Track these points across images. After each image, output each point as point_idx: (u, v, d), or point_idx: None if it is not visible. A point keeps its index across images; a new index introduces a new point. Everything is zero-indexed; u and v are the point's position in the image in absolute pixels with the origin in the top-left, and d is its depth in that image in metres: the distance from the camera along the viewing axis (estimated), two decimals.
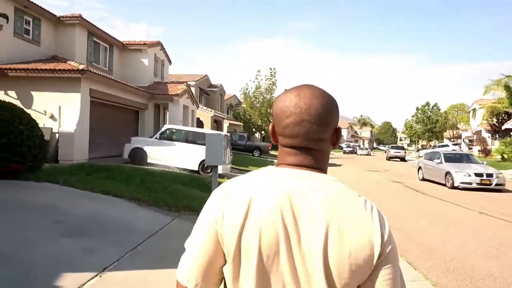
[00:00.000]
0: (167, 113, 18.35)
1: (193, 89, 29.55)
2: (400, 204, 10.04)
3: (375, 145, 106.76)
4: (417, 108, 51.89)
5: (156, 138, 12.95)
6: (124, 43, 18.68)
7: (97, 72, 12.97)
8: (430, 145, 53.97)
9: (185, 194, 7.86)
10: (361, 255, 0.80)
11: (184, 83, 19.42)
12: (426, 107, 50.50)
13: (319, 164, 0.90)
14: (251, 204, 0.83)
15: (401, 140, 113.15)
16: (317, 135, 0.88)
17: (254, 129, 37.64)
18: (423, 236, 6.52)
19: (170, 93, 17.57)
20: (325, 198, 0.83)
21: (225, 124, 36.26)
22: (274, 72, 36.80)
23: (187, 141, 12.65)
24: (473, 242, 6.21)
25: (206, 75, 33.84)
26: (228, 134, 14.15)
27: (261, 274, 0.82)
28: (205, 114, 26.66)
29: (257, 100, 37.00)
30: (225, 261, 0.86)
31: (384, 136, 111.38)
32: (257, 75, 36.78)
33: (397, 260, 0.86)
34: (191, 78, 31.00)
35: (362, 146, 62.42)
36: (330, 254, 0.80)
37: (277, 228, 0.81)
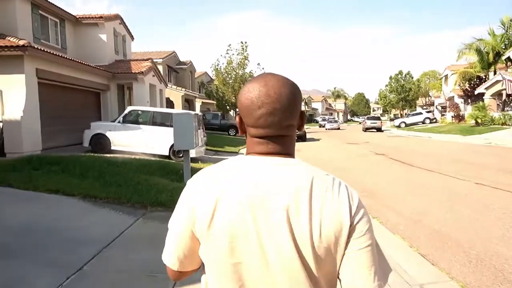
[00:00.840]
0: (132, 93, 16.79)
1: (160, 67, 27.71)
2: (390, 180, 9.30)
3: (349, 117, 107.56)
4: (390, 77, 51.74)
5: (119, 122, 11.56)
6: (78, 17, 16.75)
7: (45, 50, 11.30)
8: (402, 114, 54.44)
9: (152, 186, 6.73)
10: (332, 230, 0.83)
11: (149, 60, 17.81)
12: (399, 76, 50.45)
13: (288, 150, 0.94)
14: (222, 196, 0.86)
15: (374, 110, 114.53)
16: (288, 122, 0.92)
17: (228, 107, 36.24)
18: (427, 217, 5.74)
19: (133, 71, 16.00)
20: (296, 182, 0.86)
21: (198, 103, 34.73)
22: (246, 46, 35.17)
23: (154, 123, 11.35)
24: (483, 221, 5.47)
25: (174, 52, 31.90)
26: (200, 113, 12.95)
27: (232, 264, 0.85)
28: (175, 93, 25.10)
29: (230, 76, 35.47)
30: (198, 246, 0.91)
31: (358, 108, 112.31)
32: (228, 49, 35.07)
33: (371, 229, 0.88)
34: (157, 55, 29.07)
35: (329, 118, 56.22)
36: (300, 236, 0.83)
37: (245, 218, 0.84)
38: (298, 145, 18.85)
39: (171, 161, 10.43)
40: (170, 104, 23.96)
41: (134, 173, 7.63)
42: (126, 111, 11.74)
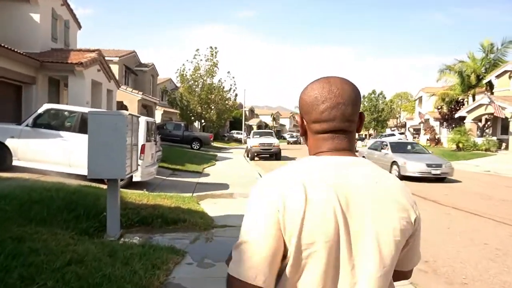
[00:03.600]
0: (67, 90, 12.99)
1: (115, 67, 23.86)
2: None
3: None
4: (363, 96, 50.62)
5: (28, 126, 7.85)
6: None
7: None
8: (371, 135, 53.23)
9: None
10: (403, 226, 0.91)
11: (95, 52, 14.12)
12: (373, 95, 49.35)
13: (352, 147, 0.98)
14: (307, 192, 0.85)
15: None
16: (351, 117, 0.96)
17: (192, 117, 32.73)
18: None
19: (69, 61, 12.27)
20: (368, 181, 0.91)
21: (159, 111, 30.91)
22: (216, 52, 32.10)
23: (82, 130, 7.76)
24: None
25: (134, 51, 28.08)
26: (152, 119, 9.44)
27: (327, 261, 0.85)
28: (130, 96, 21.32)
29: (196, 83, 32.09)
30: (286, 251, 0.86)
31: None
32: (195, 54, 31.80)
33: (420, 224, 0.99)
34: (114, 53, 25.21)
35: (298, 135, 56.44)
36: (381, 232, 0.88)
37: (335, 215, 0.85)
38: (268, 164, 15.90)
39: (98, 188, 6.86)
40: (123, 109, 20.12)
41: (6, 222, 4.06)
42: (40, 110, 8.04)
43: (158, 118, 30.44)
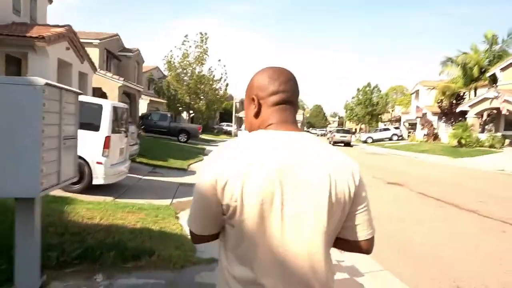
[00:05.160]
0: (28, 70, 10.93)
1: (96, 50, 21.73)
2: (471, 250, 4.65)
3: (305, 129, 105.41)
4: (358, 89, 48.77)
5: None
6: None
7: None
8: (366, 129, 51.90)
9: None
10: (347, 190, 1.02)
11: (64, 27, 12.06)
12: (367, 88, 47.73)
13: (295, 119, 1.12)
14: (251, 168, 0.96)
15: (329, 124, 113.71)
16: (297, 92, 1.14)
17: (180, 108, 30.66)
18: None
19: (29, 35, 10.22)
20: (316, 149, 1.03)
21: (145, 101, 28.81)
22: (206, 38, 29.91)
23: None
24: None
25: (117, 35, 25.88)
26: (122, 105, 7.55)
27: (261, 218, 0.96)
28: (110, 83, 19.22)
29: (185, 72, 29.96)
30: (223, 214, 1.01)
31: (316, 120, 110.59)
32: (184, 40, 29.56)
33: (367, 193, 1.10)
34: (95, 36, 23.01)
35: None
36: (332, 194, 0.99)
37: (273, 183, 0.96)
38: None
39: None
40: (102, 97, 18.06)
41: None
42: None
43: (143, 108, 28.34)
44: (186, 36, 29.79)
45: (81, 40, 13.93)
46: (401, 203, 8.16)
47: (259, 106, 1.11)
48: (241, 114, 58.93)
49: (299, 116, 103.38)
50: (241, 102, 62.76)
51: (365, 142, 38.82)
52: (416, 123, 37.58)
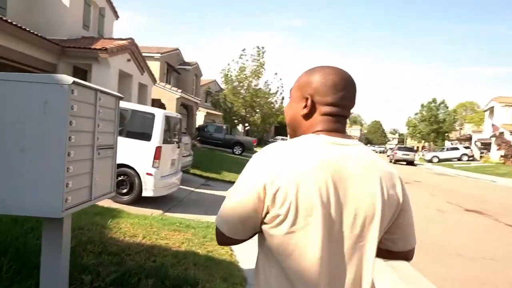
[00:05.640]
0: (91, 81, 11.30)
1: (157, 64, 22.49)
2: None
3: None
4: (422, 105, 45.68)
5: None
6: None
7: None
8: (429, 148, 48.34)
9: None
10: (395, 199, 1.00)
11: (127, 40, 12.42)
12: (433, 104, 44.53)
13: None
14: (303, 169, 0.91)
15: (388, 141, 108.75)
16: (352, 108, 1.08)
17: (236, 120, 30.75)
18: None
19: (94, 47, 10.56)
20: (368, 157, 1.00)
21: (202, 113, 29.30)
22: (263, 52, 29.89)
23: None
24: None
25: (177, 49, 26.75)
26: (175, 114, 7.30)
27: (325, 227, 0.91)
28: (169, 94, 19.66)
29: (241, 85, 30.07)
30: (264, 223, 0.94)
31: (374, 136, 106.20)
32: (241, 54, 29.76)
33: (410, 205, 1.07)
34: (156, 50, 23.91)
35: None
36: (383, 201, 0.96)
37: (329, 194, 0.91)
38: None
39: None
40: (161, 108, 18.46)
41: None
42: None
43: (200, 120, 28.82)
44: (243, 50, 29.99)
45: (144, 54, 14.34)
46: (485, 236, 6.93)
47: (312, 109, 1.04)
48: None
49: (356, 132, 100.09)
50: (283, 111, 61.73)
51: (430, 161, 36.07)
52: (490, 143, 34.12)
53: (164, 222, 4.86)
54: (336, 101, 1.01)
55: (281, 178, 0.90)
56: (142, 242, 3.82)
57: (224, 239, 1.02)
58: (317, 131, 1.01)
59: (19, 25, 8.90)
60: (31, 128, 2.03)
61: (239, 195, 0.95)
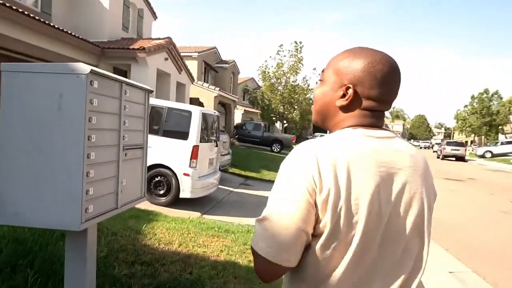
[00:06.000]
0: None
1: (194, 63, 22.60)
2: None
3: (406, 140, 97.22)
4: (472, 97, 42.72)
5: None
6: None
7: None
8: (478, 143, 45.19)
9: None
10: (434, 191, 0.94)
11: (164, 39, 12.40)
12: (484, 95, 41.50)
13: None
14: (350, 169, 0.80)
15: (433, 135, 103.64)
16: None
17: (274, 118, 30.35)
18: None
19: (132, 47, 10.58)
20: (410, 149, 0.91)
21: (239, 111, 29.17)
22: (300, 47, 29.20)
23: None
24: None
25: (215, 48, 26.76)
26: (212, 111, 7.00)
27: (365, 240, 0.81)
28: (206, 92, 19.64)
29: (279, 81, 29.58)
30: (312, 231, 0.81)
31: (418, 131, 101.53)
32: (278, 50, 29.25)
33: None
34: (194, 49, 24.04)
35: None
36: (426, 203, 0.88)
37: (380, 192, 0.82)
38: None
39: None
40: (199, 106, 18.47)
41: None
42: None
43: (238, 118, 28.71)
44: (281, 46, 29.44)
45: (182, 54, 14.30)
46: None
47: (353, 101, 0.89)
48: None
49: (399, 127, 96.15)
50: None
51: (482, 156, 33.64)
52: None
53: (202, 226, 4.56)
54: (382, 96, 0.89)
55: (330, 177, 0.79)
56: (178, 250, 3.52)
57: (278, 273, 0.82)
58: (355, 125, 0.89)
59: (62, 29, 9.07)
60: (44, 126, 1.74)
61: (289, 204, 0.79)
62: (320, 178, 0.78)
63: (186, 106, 6.47)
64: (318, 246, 0.80)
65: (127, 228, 3.85)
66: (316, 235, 0.81)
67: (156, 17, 16.68)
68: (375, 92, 0.88)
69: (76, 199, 1.75)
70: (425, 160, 0.94)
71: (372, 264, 0.82)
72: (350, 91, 0.88)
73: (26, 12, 8.01)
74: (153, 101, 6.33)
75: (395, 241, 0.85)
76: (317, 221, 0.80)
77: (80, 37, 9.79)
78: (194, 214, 5.59)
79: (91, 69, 1.74)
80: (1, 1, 7.07)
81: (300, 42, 29.31)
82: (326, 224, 0.79)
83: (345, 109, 0.90)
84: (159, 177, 5.84)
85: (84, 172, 1.77)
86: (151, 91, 2.58)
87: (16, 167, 1.77)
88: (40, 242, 2.90)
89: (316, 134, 45.25)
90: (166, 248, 3.51)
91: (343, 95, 0.90)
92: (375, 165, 0.82)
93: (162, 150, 5.78)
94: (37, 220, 1.79)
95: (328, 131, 0.99)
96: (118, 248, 3.29)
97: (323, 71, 0.98)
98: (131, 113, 2.25)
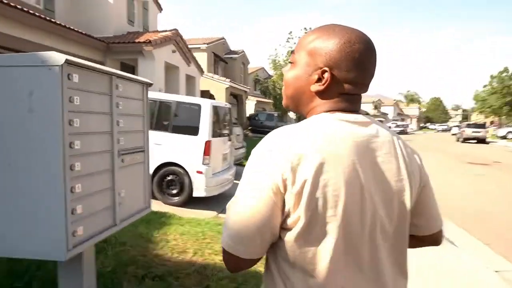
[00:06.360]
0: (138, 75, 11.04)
1: (204, 55, 22.20)
2: None
3: (422, 124, 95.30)
4: (491, 76, 41.11)
5: None
6: None
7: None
8: (498, 123, 43.70)
9: None
10: (417, 177, 0.87)
11: (171, 31, 12.01)
12: (504, 74, 39.89)
13: None
14: (328, 159, 0.75)
15: (450, 118, 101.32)
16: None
17: None
18: None
19: (137, 40, 10.24)
20: (388, 134, 0.86)
21: (251, 101, 28.75)
22: None
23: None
24: None
25: (223, 38, 26.26)
26: (224, 104, 6.64)
27: (346, 222, 0.77)
28: (217, 84, 19.24)
29: None
30: (280, 221, 0.78)
31: (434, 114, 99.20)
32: (288, 37, 28.44)
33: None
34: (202, 41, 23.61)
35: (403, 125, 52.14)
36: (411, 182, 0.85)
37: (358, 175, 0.78)
38: None
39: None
40: (210, 99, 18.10)
41: None
42: None
43: (251, 109, 28.28)
44: (290, 33, 28.67)
45: (190, 46, 13.94)
46: None
47: (330, 85, 0.82)
48: None
49: (414, 111, 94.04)
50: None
51: (504, 138, 32.49)
52: None
53: (218, 229, 4.21)
54: (360, 79, 0.82)
55: (305, 168, 0.73)
56: (193, 259, 3.18)
57: (240, 264, 0.80)
58: (331, 110, 0.83)
59: (66, 25, 8.79)
60: (13, 135, 1.38)
61: (251, 199, 0.76)
62: (294, 170, 0.73)
63: (195, 99, 6.10)
64: (289, 239, 0.77)
65: (137, 235, 3.53)
66: (286, 228, 0.77)
67: (161, 9, 16.28)
68: (353, 75, 0.82)
69: (58, 223, 1.40)
70: (404, 143, 0.88)
71: (362, 264, 0.79)
72: (327, 75, 0.82)
73: (31, 11, 7.77)
74: (161, 95, 5.97)
75: (383, 238, 0.81)
76: (288, 215, 0.76)
77: (85, 33, 9.50)
78: (210, 214, 5.26)
79: (66, 59, 1.36)
80: (5, 1, 6.84)
81: (310, 28, 28.58)
82: (299, 217, 0.74)
83: (321, 94, 0.84)
84: (171, 175, 5.52)
85: (67, 188, 1.41)
86: (150, 84, 2.20)
87: None
88: (37, 260, 2.59)
89: None
90: (180, 258, 3.18)
91: (319, 79, 0.83)
92: (355, 154, 0.78)
93: (172, 147, 5.44)
94: (17, 249, 1.46)
95: (298, 116, 0.73)
96: (127, 260, 2.97)
97: (293, 52, 0.90)
98: (126, 111, 1.88)
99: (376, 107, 66.97)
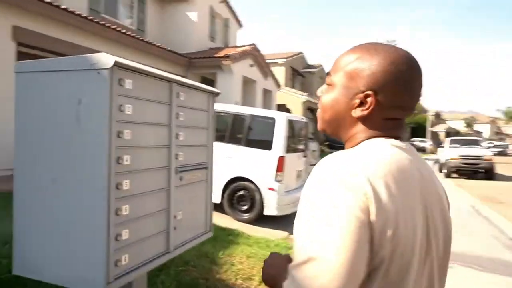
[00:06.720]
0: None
1: (282, 69, 22.28)
2: None
3: None
4: None
5: None
6: None
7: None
8: None
9: None
10: (450, 221, 0.80)
11: (249, 46, 12.16)
12: None
13: None
14: (394, 190, 0.67)
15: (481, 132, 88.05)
16: None
17: None
18: None
19: (216, 55, 10.50)
20: (427, 164, 0.80)
21: None
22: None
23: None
24: None
25: (301, 53, 26.12)
26: (301, 118, 6.32)
27: (419, 267, 0.70)
28: (293, 98, 19.03)
29: None
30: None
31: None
32: None
33: None
34: (280, 56, 23.75)
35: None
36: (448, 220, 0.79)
37: (423, 216, 0.71)
38: (476, 186, 10.30)
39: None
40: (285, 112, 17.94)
41: None
42: None
43: None
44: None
45: (268, 61, 14.00)
46: None
47: (373, 110, 0.74)
48: (436, 128, 51.29)
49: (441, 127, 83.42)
50: (436, 114, 54.74)
51: None
52: None
53: (289, 252, 3.87)
54: (407, 103, 0.75)
55: (382, 201, 0.64)
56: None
57: None
58: (379, 136, 0.76)
59: (154, 43, 9.38)
60: (60, 146, 1.24)
61: (333, 242, 0.61)
62: (376, 201, 0.63)
63: (270, 112, 5.89)
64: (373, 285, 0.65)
65: (202, 254, 3.35)
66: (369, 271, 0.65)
67: (241, 25, 16.69)
68: (399, 99, 0.74)
69: (100, 249, 1.21)
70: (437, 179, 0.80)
71: None
72: (370, 99, 0.74)
73: (127, 32, 8.44)
74: (235, 108, 5.88)
75: (437, 267, 0.74)
76: (373, 254, 0.64)
77: (169, 49, 10.02)
78: (280, 234, 4.94)
79: (116, 61, 1.18)
80: (112, 26, 7.55)
81: (394, 40, 27.14)
82: (383, 258, 0.64)
83: (364, 119, 0.76)
84: (242, 190, 5.34)
85: (111, 209, 1.22)
86: (217, 94, 1.98)
87: (30, 204, 1.30)
88: None
89: (415, 139, 41.47)
90: (245, 286, 2.90)
91: (361, 103, 0.75)
92: (418, 181, 0.71)
93: (244, 162, 5.27)
94: (54, 275, 1.30)
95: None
96: (188, 281, 2.78)
97: (328, 73, 0.81)
98: (187, 122, 1.67)
99: (468, 125, 61.08)
